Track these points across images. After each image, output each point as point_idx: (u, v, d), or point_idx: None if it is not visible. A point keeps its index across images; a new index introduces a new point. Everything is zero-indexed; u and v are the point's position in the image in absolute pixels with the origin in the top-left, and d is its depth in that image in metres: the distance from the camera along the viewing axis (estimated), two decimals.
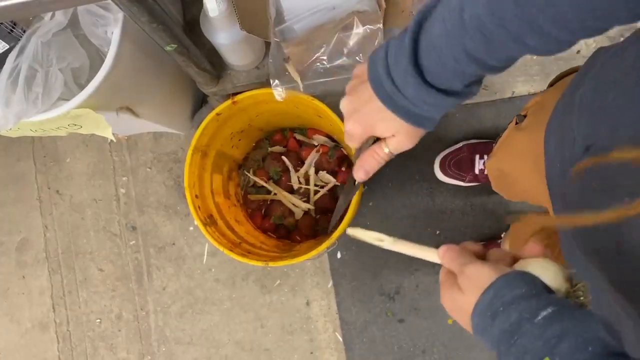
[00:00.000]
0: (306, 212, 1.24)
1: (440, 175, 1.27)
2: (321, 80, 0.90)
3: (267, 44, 0.98)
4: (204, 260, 1.38)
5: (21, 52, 0.81)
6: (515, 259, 0.46)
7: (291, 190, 1.26)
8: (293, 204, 1.24)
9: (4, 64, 0.81)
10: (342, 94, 0.53)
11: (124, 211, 1.42)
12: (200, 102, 1.31)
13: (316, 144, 1.25)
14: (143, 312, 1.40)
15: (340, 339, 1.32)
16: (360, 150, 0.54)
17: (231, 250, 1.00)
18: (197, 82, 1.01)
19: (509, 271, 0.42)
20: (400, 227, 1.30)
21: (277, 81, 0.89)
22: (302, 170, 1.24)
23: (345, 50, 0.89)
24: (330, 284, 1.33)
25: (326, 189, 1.23)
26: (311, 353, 1.33)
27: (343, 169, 1.24)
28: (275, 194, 1.25)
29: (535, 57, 1.28)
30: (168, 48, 0.80)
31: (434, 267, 0.51)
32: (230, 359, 1.36)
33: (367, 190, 1.32)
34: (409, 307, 1.30)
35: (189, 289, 1.38)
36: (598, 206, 0.32)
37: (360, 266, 1.32)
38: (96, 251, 1.42)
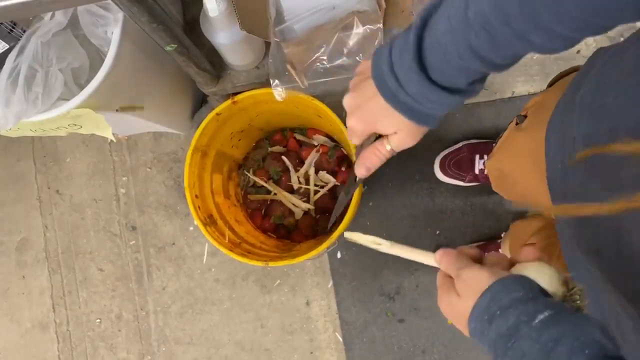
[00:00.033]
0: (306, 212, 1.24)
1: (440, 175, 1.27)
2: (321, 80, 0.90)
3: (267, 44, 0.98)
4: (204, 260, 1.38)
5: (21, 52, 0.81)
6: (511, 263, 0.46)
7: (291, 190, 1.26)
8: (293, 204, 1.24)
9: (4, 64, 0.81)
10: (342, 94, 0.53)
11: (124, 211, 1.42)
12: (200, 102, 1.31)
13: (316, 144, 1.25)
14: (143, 312, 1.40)
15: (340, 339, 1.32)
16: (362, 147, 0.54)
17: (231, 250, 1.00)
18: (197, 82, 1.01)
19: (506, 275, 0.42)
20: (400, 227, 1.30)
21: (277, 81, 0.89)
22: (302, 170, 1.24)
23: (345, 50, 0.89)
24: (330, 284, 1.33)
25: (326, 189, 1.23)
26: (311, 353, 1.33)
27: (343, 169, 1.24)
28: (275, 194, 1.25)
29: (535, 57, 1.29)
30: (168, 48, 0.80)
31: (434, 268, 0.51)
32: (230, 359, 1.36)
33: (367, 190, 1.32)
34: (409, 307, 1.30)
35: (189, 289, 1.38)
36: (599, 201, 0.33)
37: (360, 266, 1.32)
38: (96, 251, 1.42)
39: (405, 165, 1.31)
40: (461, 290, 0.44)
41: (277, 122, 1.24)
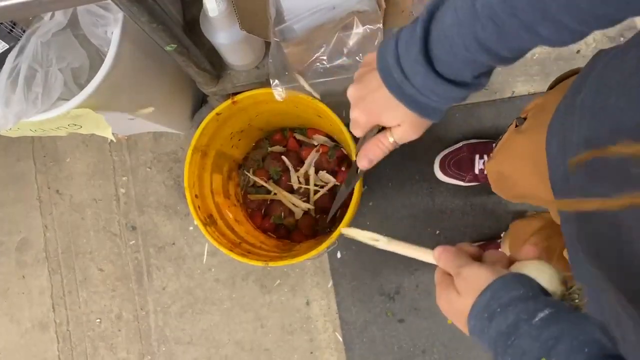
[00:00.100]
0: (306, 212, 1.24)
1: (440, 175, 1.27)
2: (321, 80, 0.90)
3: (267, 44, 0.98)
4: (204, 260, 1.38)
5: (21, 52, 0.81)
6: (511, 261, 0.46)
7: (291, 190, 1.26)
8: (293, 204, 1.24)
9: (4, 64, 0.81)
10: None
11: (124, 211, 1.42)
12: (200, 102, 1.31)
13: (316, 143, 1.25)
14: (143, 312, 1.40)
15: (340, 339, 1.32)
16: (365, 139, 0.53)
17: (231, 250, 1.00)
18: (197, 82, 1.01)
19: (506, 273, 0.42)
20: (400, 227, 1.30)
21: (277, 81, 0.89)
22: (302, 170, 1.24)
23: (345, 50, 0.89)
24: (330, 283, 1.33)
25: (326, 188, 1.23)
26: (311, 353, 1.33)
27: (343, 168, 1.24)
28: (275, 193, 1.25)
29: (535, 56, 1.29)
30: (168, 48, 0.80)
31: (434, 267, 0.51)
32: (230, 359, 1.36)
33: (367, 190, 1.32)
34: (409, 307, 1.30)
35: (189, 289, 1.38)
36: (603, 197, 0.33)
37: (360, 266, 1.32)
38: (96, 251, 1.42)
39: (405, 165, 1.31)
40: (461, 288, 0.44)
41: (277, 122, 1.24)
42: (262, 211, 1.27)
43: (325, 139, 1.24)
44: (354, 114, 0.51)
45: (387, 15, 0.94)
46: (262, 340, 1.35)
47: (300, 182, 1.24)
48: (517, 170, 0.79)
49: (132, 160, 1.42)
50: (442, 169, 1.26)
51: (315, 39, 0.89)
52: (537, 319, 0.37)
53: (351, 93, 0.51)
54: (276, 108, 1.06)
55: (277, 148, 1.27)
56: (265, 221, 1.25)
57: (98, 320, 1.41)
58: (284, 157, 1.25)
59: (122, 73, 0.85)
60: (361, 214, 1.31)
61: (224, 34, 0.87)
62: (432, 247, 0.50)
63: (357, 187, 0.97)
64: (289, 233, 1.25)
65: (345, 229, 0.55)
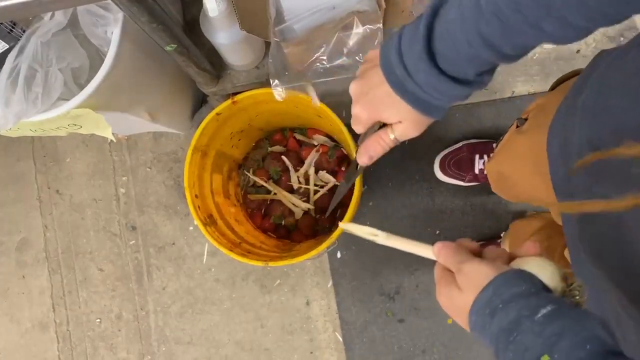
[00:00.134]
0: (306, 212, 1.24)
1: (440, 175, 1.27)
2: (321, 80, 0.90)
3: (267, 44, 0.98)
4: (204, 260, 1.38)
5: (21, 52, 0.81)
6: (511, 258, 0.46)
7: (291, 190, 1.26)
8: (293, 204, 1.24)
9: (4, 63, 0.81)
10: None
11: (123, 211, 1.42)
12: (200, 102, 1.31)
13: (316, 143, 1.25)
14: (143, 312, 1.40)
15: (340, 339, 1.32)
16: (365, 136, 0.53)
17: (231, 250, 1.00)
18: (197, 82, 1.01)
19: (508, 269, 0.42)
20: (400, 227, 1.30)
21: (277, 81, 0.89)
22: (302, 170, 1.24)
23: (345, 50, 0.89)
24: (330, 283, 1.33)
25: (326, 188, 1.23)
26: (311, 353, 1.33)
27: (343, 168, 1.24)
28: (275, 193, 1.25)
29: (535, 56, 1.29)
30: (168, 48, 0.80)
31: (434, 266, 0.50)
32: (230, 359, 1.36)
33: (367, 190, 1.32)
34: (409, 307, 1.30)
35: (189, 289, 1.38)
36: (607, 198, 0.33)
37: (360, 266, 1.32)
38: (96, 251, 1.42)
39: (405, 165, 1.31)
40: (462, 284, 0.44)
41: (277, 122, 1.24)
42: (262, 211, 1.27)
43: (325, 139, 1.24)
44: (355, 110, 0.51)
45: (387, 15, 0.94)
46: (262, 340, 1.35)
47: (300, 182, 1.24)
48: (518, 170, 0.79)
49: (132, 160, 1.42)
50: (442, 169, 1.26)
51: (315, 39, 0.89)
52: (539, 315, 0.37)
53: (353, 89, 0.51)
54: (276, 108, 1.06)
55: (277, 148, 1.27)
56: (265, 221, 1.25)
57: (98, 320, 1.41)
58: (284, 157, 1.25)
59: (122, 73, 0.85)
60: (361, 213, 1.31)
61: (224, 34, 0.87)
62: (429, 244, 0.50)
63: (357, 187, 0.97)
64: (289, 233, 1.25)
65: (343, 224, 0.55)
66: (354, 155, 0.99)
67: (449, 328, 1.28)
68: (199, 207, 1.04)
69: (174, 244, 1.39)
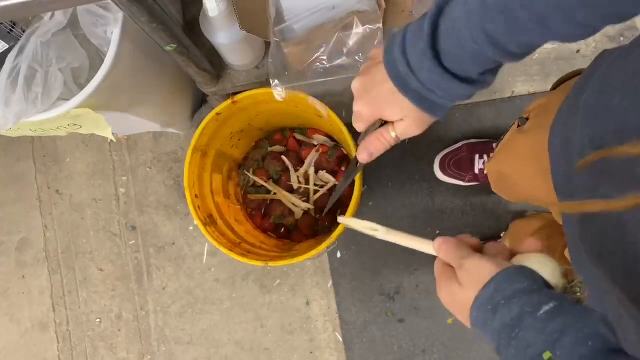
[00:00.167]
0: (306, 212, 1.24)
1: (440, 175, 1.27)
2: (321, 80, 0.90)
3: (267, 44, 0.98)
4: (204, 260, 1.38)
5: (21, 52, 0.81)
6: (512, 254, 0.46)
7: (291, 190, 1.26)
8: (293, 204, 1.24)
9: (4, 64, 0.81)
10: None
11: (123, 211, 1.42)
12: (200, 102, 1.31)
13: (316, 143, 1.25)
14: (143, 312, 1.40)
15: (340, 339, 1.32)
16: (366, 134, 0.53)
17: (231, 250, 1.00)
18: (197, 82, 1.01)
19: (510, 266, 0.42)
20: (400, 227, 1.29)
21: (276, 81, 0.89)
22: (302, 170, 1.24)
23: (345, 50, 0.89)
24: (330, 283, 1.33)
25: (326, 188, 1.23)
26: (311, 353, 1.33)
27: (343, 168, 1.24)
28: (275, 193, 1.25)
29: (535, 56, 1.29)
30: (168, 48, 0.80)
31: (435, 264, 0.50)
32: (230, 359, 1.36)
33: (367, 190, 1.32)
34: (409, 307, 1.30)
35: (189, 289, 1.38)
36: (608, 198, 0.33)
37: (360, 266, 1.32)
38: (96, 251, 1.42)
39: (405, 165, 1.31)
40: (464, 279, 0.43)
41: (277, 122, 1.24)
42: (262, 211, 1.27)
43: (325, 139, 1.24)
44: (357, 107, 0.50)
45: (387, 15, 0.94)
46: (262, 340, 1.35)
47: (300, 182, 1.24)
48: (518, 170, 0.79)
49: (132, 160, 1.42)
50: (442, 168, 1.26)
51: (315, 39, 0.89)
52: (541, 312, 0.37)
53: (355, 85, 0.50)
54: (276, 108, 1.06)
55: (277, 148, 1.27)
56: (265, 221, 1.25)
57: (98, 320, 1.41)
58: (284, 157, 1.25)
59: (122, 73, 0.85)
60: (361, 213, 1.31)
61: (224, 34, 0.87)
62: (429, 240, 0.49)
63: (357, 187, 0.97)
64: (289, 233, 1.25)
65: (341, 218, 0.55)
66: (354, 154, 0.99)
67: (449, 328, 1.28)
68: (199, 207, 1.04)
69: (174, 244, 1.39)
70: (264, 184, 1.25)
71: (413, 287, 1.30)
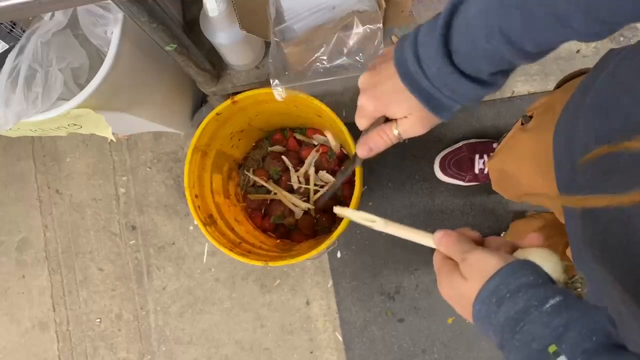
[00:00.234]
0: (306, 212, 1.24)
1: (440, 175, 1.27)
2: (321, 80, 0.90)
3: (267, 44, 0.98)
4: (204, 260, 1.38)
5: (21, 52, 0.81)
6: (514, 248, 0.46)
7: (291, 190, 1.26)
8: (293, 204, 1.24)
9: (4, 64, 0.81)
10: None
11: (123, 211, 1.42)
12: (200, 102, 1.31)
13: (316, 143, 1.25)
14: (143, 311, 1.40)
15: (340, 339, 1.32)
16: (367, 132, 0.53)
17: (231, 250, 1.00)
18: (197, 81, 1.01)
19: (515, 260, 0.42)
20: None
21: (277, 81, 0.89)
22: (302, 170, 1.24)
23: (345, 50, 0.89)
24: (330, 283, 1.33)
25: (326, 188, 1.23)
26: (311, 352, 1.33)
27: (343, 168, 1.23)
28: (275, 193, 1.25)
29: None
30: (168, 48, 0.80)
31: (435, 264, 0.50)
32: (230, 358, 1.36)
33: (367, 190, 1.32)
34: (409, 306, 1.30)
35: (188, 289, 1.38)
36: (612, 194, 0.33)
37: (360, 266, 1.32)
38: (96, 251, 1.42)
39: (405, 165, 1.31)
40: (467, 273, 0.43)
41: (277, 121, 1.24)
42: (262, 211, 1.27)
43: (325, 138, 1.24)
44: (361, 101, 0.50)
45: (387, 15, 0.94)
46: (262, 340, 1.35)
47: (300, 182, 1.24)
48: (521, 168, 0.79)
49: (132, 160, 1.42)
50: (442, 168, 1.26)
51: (315, 39, 0.89)
52: (547, 306, 0.37)
53: (362, 80, 0.50)
54: (276, 108, 1.06)
55: (277, 148, 1.27)
56: (265, 221, 1.25)
57: (98, 320, 1.41)
58: (284, 157, 1.25)
59: (122, 73, 0.85)
60: None
61: (224, 34, 0.87)
62: (429, 232, 0.49)
63: (357, 186, 0.97)
64: (289, 233, 1.25)
65: (338, 209, 0.54)
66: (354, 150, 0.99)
67: (449, 328, 1.28)
68: (199, 207, 1.04)
69: (174, 243, 1.39)
70: (264, 184, 1.25)
71: (413, 287, 1.30)
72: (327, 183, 1.24)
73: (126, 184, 1.42)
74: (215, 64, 1.00)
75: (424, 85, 0.44)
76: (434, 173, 1.29)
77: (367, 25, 0.87)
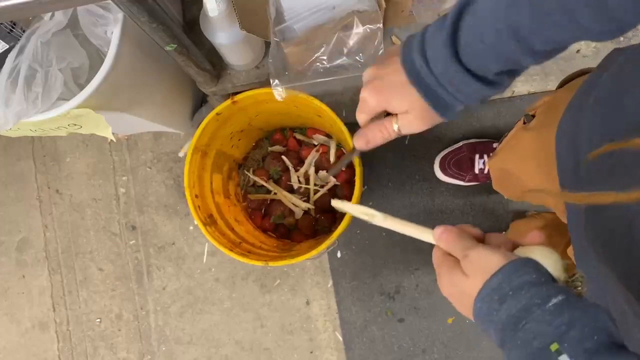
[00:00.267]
0: (306, 212, 1.24)
1: (440, 175, 1.27)
2: (321, 80, 0.90)
3: (267, 44, 0.98)
4: (204, 260, 1.38)
5: (21, 52, 0.81)
6: (515, 245, 0.46)
7: (291, 190, 1.26)
8: (293, 204, 1.24)
9: (4, 64, 0.81)
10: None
11: (123, 211, 1.42)
12: (200, 102, 1.31)
13: (316, 143, 1.25)
14: (143, 311, 1.40)
15: (340, 339, 1.32)
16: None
17: (231, 250, 1.00)
18: (197, 81, 1.01)
19: (517, 257, 0.41)
20: None
21: (277, 81, 0.89)
22: (302, 170, 1.24)
23: (345, 50, 0.89)
24: (330, 283, 1.33)
25: (326, 188, 1.23)
26: (311, 352, 1.33)
27: (343, 168, 1.24)
28: (275, 193, 1.25)
29: None
30: (168, 48, 0.80)
31: (435, 262, 0.49)
32: (230, 358, 1.36)
33: (367, 190, 1.32)
34: (409, 306, 1.30)
35: (188, 289, 1.38)
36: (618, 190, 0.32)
37: (360, 266, 1.32)
38: (96, 251, 1.42)
39: (405, 165, 1.31)
40: (469, 270, 0.43)
41: (277, 121, 1.24)
42: (262, 211, 1.27)
43: (325, 138, 1.24)
44: (364, 94, 0.49)
45: (387, 15, 0.94)
46: (262, 340, 1.35)
47: (300, 182, 1.24)
48: (523, 167, 0.78)
49: (132, 160, 1.42)
50: (442, 168, 1.26)
51: (315, 39, 0.89)
52: (550, 305, 0.37)
53: (367, 73, 0.50)
54: (276, 108, 1.06)
55: (277, 148, 1.27)
56: (265, 221, 1.25)
57: (98, 320, 1.41)
58: (284, 157, 1.25)
59: (122, 73, 0.85)
60: None
61: (224, 34, 0.87)
62: (429, 228, 0.48)
63: (357, 187, 0.97)
64: (289, 233, 1.25)
65: (335, 202, 0.53)
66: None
67: (449, 327, 1.28)
68: (199, 207, 1.04)
69: (174, 243, 1.39)
70: (264, 183, 1.25)
71: (413, 287, 1.30)
72: (327, 183, 1.24)
73: (126, 184, 1.42)
74: (215, 64, 1.00)
75: (428, 81, 0.44)
76: (434, 173, 1.29)
77: (367, 25, 0.87)
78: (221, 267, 1.37)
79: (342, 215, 1.17)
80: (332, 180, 1.23)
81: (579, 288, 0.42)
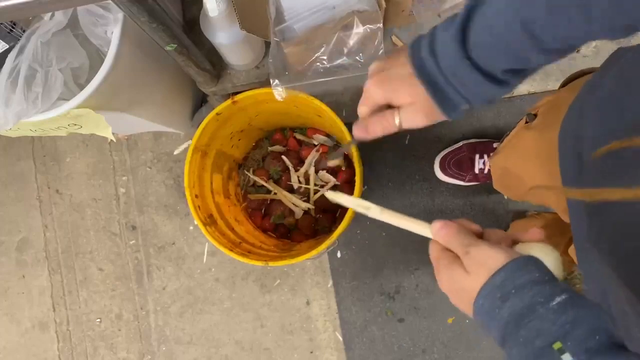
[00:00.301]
0: (306, 212, 1.24)
1: (440, 175, 1.27)
2: (321, 80, 0.90)
3: (267, 44, 0.98)
4: (204, 260, 1.38)
5: (21, 51, 0.81)
6: (514, 242, 0.46)
7: (291, 190, 1.26)
8: (293, 204, 1.24)
9: (4, 64, 0.81)
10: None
11: (123, 211, 1.41)
12: (200, 102, 1.31)
13: (316, 143, 1.25)
14: (143, 311, 1.40)
15: (340, 339, 1.32)
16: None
17: (231, 250, 1.00)
18: (197, 81, 1.01)
19: (520, 255, 0.41)
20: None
21: (277, 81, 0.89)
22: (302, 170, 1.24)
23: (345, 50, 0.89)
24: (330, 283, 1.33)
25: (326, 188, 1.23)
26: (311, 352, 1.33)
27: (343, 168, 1.24)
28: (275, 193, 1.25)
29: None
30: (168, 48, 0.80)
31: (430, 246, 0.48)
32: (230, 358, 1.36)
33: (367, 190, 1.32)
34: (409, 306, 1.30)
35: (188, 289, 1.38)
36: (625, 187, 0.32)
37: (360, 266, 1.32)
38: (96, 251, 1.42)
39: (405, 165, 1.31)
40: (470, 267, 0.42)
41: (277, 121, 1.24)
42: (262, 211, 1.27)
43: (326, 138, 1.24)
44: (368, 84, 0.49)
45: (387, 15, 0.94)
46: (262, 340, 1.35)
47: (300, 182, 1.24)
48: (524, 166, 0.78)
49: (132, 160, 1.42)
50: (442, 168, 1.26)
51: (315, 39, 0.89)
52: (554, 303, 0.37)
53: (373, 66, 0.49)
54: (276, 108, 1.06)
55: (277, 148, 1.27)
56: (265, 221, 1.25)
57: (98, 320, 1.41)
58: (284, 157, 1.25)
59: (122, 73, 0.85)
60: (361, 213, 1.31)
61: (224, 34, 0.87)
62: (426, 222, 0.48)
63: (357, 187, 0.97)
64: (289, 233, 1.25)
65: (330, 193, 0.52)
66: (354, 155, 0.99)
67: (449, 327, 1.28)
68: (199, 207, 1.04)
69: (174, 243, 1.39)
70: (264, 183, 1.25)
71: (413, 287, 1.30)
72: (327, 183, 1.24)
73: (126, 184, 1.42)
74: (215, 64, 1.00)
75: (434, 74, 0.44)
76: (434, 173, 1.29)
77: (367, 25, 0.87)
78: (221, 267, 1.37)
79: (342, 215, 1.17)
80: (332, 180, 1.23)
81: (577, 285, 0.42)
